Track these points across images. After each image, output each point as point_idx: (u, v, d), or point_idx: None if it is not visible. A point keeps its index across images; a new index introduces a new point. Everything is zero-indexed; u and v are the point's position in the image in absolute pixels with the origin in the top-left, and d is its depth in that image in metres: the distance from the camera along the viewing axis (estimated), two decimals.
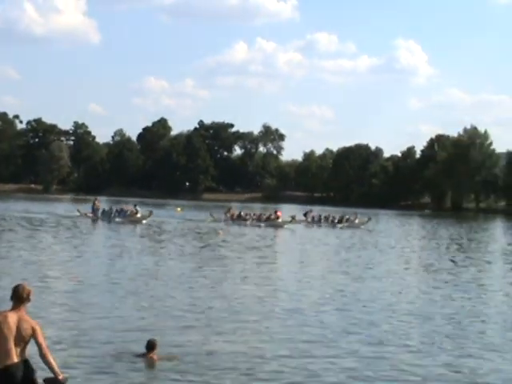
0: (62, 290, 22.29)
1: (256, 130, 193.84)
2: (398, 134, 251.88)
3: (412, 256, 40.96)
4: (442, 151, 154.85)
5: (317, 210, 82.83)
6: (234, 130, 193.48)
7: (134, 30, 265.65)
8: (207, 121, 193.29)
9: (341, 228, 64.36)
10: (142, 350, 14.17)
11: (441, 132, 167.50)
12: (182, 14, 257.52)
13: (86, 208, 66.35)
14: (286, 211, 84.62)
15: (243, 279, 26.75)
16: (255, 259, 34.62)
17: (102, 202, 71.84)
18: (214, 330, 17.22)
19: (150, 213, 62.16)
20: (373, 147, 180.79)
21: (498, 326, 19.41)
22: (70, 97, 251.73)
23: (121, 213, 62.69)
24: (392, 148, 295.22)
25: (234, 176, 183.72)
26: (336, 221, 68.54)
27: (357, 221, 67.88)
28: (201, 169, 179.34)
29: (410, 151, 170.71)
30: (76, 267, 27.92)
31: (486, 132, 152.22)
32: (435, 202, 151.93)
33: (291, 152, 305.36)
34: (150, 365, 13.82)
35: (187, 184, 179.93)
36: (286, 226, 63.03)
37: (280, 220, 65.08)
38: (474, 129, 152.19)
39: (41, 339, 8.67)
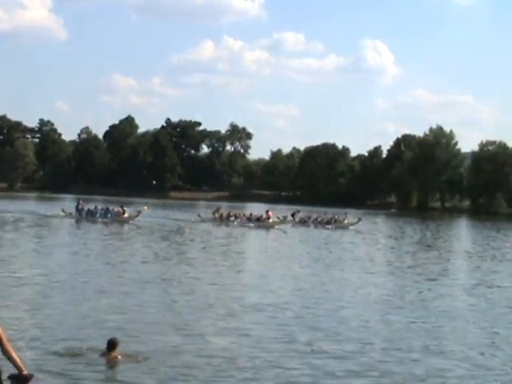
0: (24, 288, 21.94)
1: (223, 128, 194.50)
2: (364, 133, 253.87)
3: (377, 254, 41.14)
4: (408, 151, 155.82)
5: (286, 210, 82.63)
6: (201, 128, 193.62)
7: (101, 28, 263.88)
8: (174, 119, 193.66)
9: (328, 229, 62.65)
10: (104, 348, 14.00)
11: (407, 132, 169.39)
12: (149, 13, 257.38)
13: (71, 208, 63.86)
14: (253, 210, 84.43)
15: (207, 277, 26.64)
16: (218, 257, 34.58)
17: (85, 202, 68.13)
18: (179, 327, 17.13)
19: (139, 213, 60.16)
20: (340, 146, 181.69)
21: (456, 321, 19.58)
22: (36, 94, 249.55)
23: (107, 213, 60.97)
24: (359, 147, 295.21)
25: (201, 174, 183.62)
26: (324, 221, 66.94)
27: (346, 221, 66.16)
28: (168, 167, 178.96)
29: (376, 151, 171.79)
30: (44, 266, 27.50)
31: (451, 132, 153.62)
32: (401, 202, 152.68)
33: (258, 151, 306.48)
34: (111, 364, 13.61)
35: (154, 182, 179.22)
36: (277, 227, 61.27)
37: (271, 220, 63.27)
38: (440, 129, 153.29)
39: (1, 333, 8.35)
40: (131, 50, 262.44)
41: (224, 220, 64.21)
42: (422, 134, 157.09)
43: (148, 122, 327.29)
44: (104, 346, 14.09)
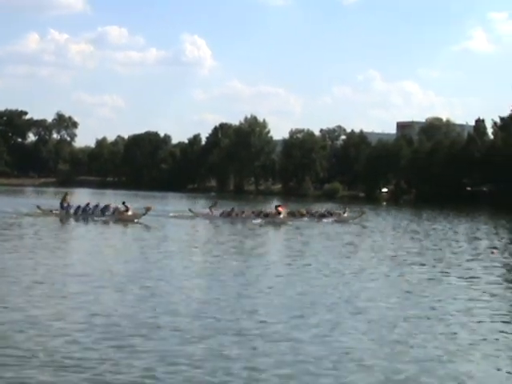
0: None
1: (49, 117, 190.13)
2: (185, 122, 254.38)
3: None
4: (225, 138, 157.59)
5: (113, 194, 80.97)
6: (27, 117, 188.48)
7: None
8: (0, 108, 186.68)
9: (325, 222, 52.42)
10: None
11: (224, 121, 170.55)
12: None
13: (51, 203, 53.97)
14: (79, 195, 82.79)
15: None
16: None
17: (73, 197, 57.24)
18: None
19: (147, 210, 48.52)
20: (162, 134, 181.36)
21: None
22: None
23: (104, 210, 48.89)
24: (180, 135, 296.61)
25: (28, 161, 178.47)
26: (317, 214, 55.54)
27: (346, 215, 56.26)
28: None
29: (196, 138, 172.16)
30: None
31: (264, 121, 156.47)
32: (220, 185, 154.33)
33: (84, 139, 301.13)
34: None
35: None
36: (289, 223, 50.10)
37: (282, 216, 52.17)
38: (254, 118, 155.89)
39: None
40: None
41: (225, 216, 52.76)
42: (237, 123, 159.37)
43: None
44: None
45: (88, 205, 49.74)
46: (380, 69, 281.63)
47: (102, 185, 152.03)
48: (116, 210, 48.92)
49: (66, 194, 52.83)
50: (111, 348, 13.20)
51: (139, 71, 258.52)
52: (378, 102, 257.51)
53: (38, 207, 50.54)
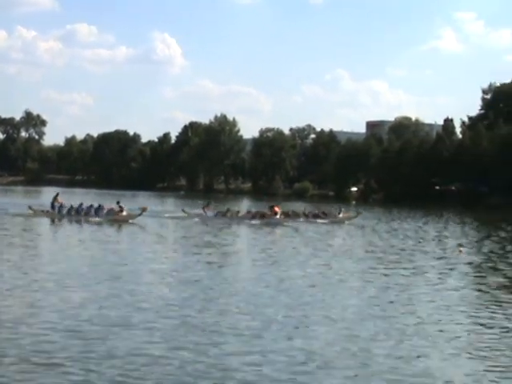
0: None
1: (18, 115, 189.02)
2: (154, 120, 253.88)
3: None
4: (195, 137, 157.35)
5: (84, 193, 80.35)
6: None
7: None
8: None
9: (320, 223, 51.26)
10: None
11: (194, 119, 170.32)
12: None
13: (42, 203, 52.94)
14: (48, 194, 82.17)
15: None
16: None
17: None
18: None
19: (143, 210, 47.91)
20: (131, 133, 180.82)
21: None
22: None
23: (98, 210, 47.62)
24: (149, 134, 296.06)
25: None
26: (312, 215, 54.60)
27: (341, 215, 55.06)
28: None
29: (165, 137, 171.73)
30: None
31: (234, 120, 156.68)
32: (189, 184, 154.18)
33: (53, 137, 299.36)
34: None
35: None
36: (286, 224, 49.09)
37: (278, 216, 51.07)
38: (224, 117, 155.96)
39: None
40: None
41: (220, 217, 51.43)
42: (207, 122, 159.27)
43: None
44: None
45: (81, 205, 48.53)
46: (348, 68, 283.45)
47: (71, 183, 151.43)
48: (110, 210, 47.90)
49: (58, 194, 51.68)
50: (81, 346, 13.29)
51: (109, 69, 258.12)
52: (346, 101, 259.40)
53: (30, 207, 49.52)
